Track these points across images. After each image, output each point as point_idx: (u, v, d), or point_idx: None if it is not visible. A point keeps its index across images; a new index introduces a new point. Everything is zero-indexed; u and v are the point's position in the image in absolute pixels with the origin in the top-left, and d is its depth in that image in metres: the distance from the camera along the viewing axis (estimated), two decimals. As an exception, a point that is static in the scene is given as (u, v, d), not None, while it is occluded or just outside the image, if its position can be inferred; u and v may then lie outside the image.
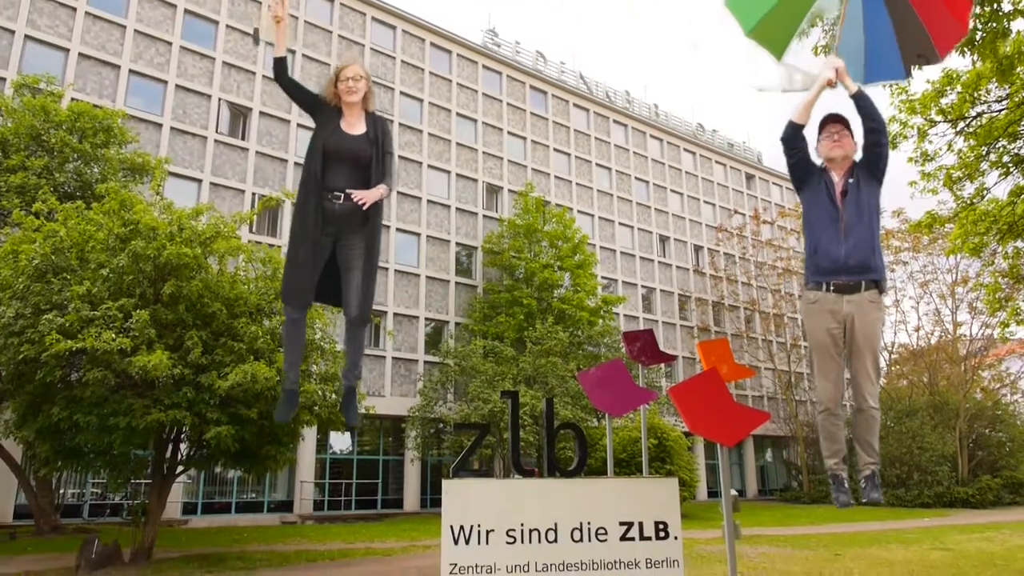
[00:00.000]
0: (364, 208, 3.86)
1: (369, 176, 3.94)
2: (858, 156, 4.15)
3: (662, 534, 6.99)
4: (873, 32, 4.20)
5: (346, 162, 3.93)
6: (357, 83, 4.00)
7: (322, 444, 27.65)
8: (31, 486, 18.04)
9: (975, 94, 10.23)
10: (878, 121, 4.00)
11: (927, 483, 33.31)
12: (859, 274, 3.88)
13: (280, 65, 4.01)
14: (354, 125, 4.01)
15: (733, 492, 30.22)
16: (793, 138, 4.14)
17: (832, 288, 3.92)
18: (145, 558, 12.05)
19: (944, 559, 12.37)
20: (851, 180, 4.01)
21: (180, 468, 13.28)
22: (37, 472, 17.02)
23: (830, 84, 4.03)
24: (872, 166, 4.04)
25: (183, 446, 13.06)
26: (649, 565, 6.86)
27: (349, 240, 3.96)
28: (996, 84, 9.93)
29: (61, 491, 22.13)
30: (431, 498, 28.99)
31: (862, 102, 3.99)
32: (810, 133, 4.27)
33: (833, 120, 4.16)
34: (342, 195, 3.88)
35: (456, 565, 6.56)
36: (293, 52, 30.27)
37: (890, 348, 41.69)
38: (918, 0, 4.06)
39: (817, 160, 4.22)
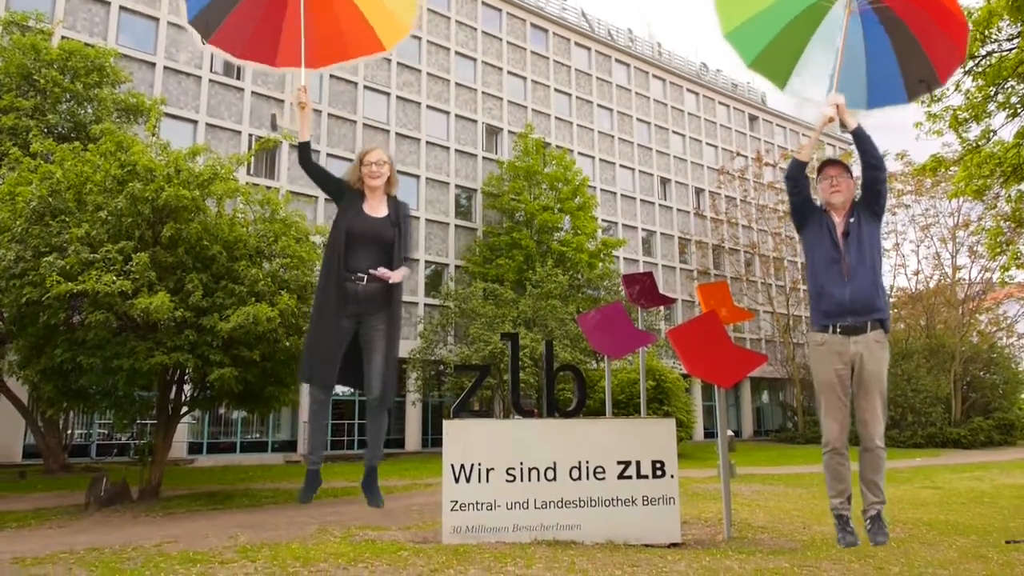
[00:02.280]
0: (390, 283, 3.94)
1: (391, 258, 4.00)
2: (858, 194, 4.19)
3: (659, 473, 7.14)
4: (875, 59, 4.22)
5: (369, 244, 4.00)
6: (381, 167, 4.11)
7: (324, 385, 27.92)
8: (38, 426, 18.33)
9: (986, 32, 9.98)
10: (877, 159, 4.03)
11: (920, 424, 33.88)
12: (864, 315, 3.93)
13: (305, 149, 4.12)
14: (376, 208, 4.10)
15: (729, 433, 30.73)
16: (797, 176, 4.20)
17: (839, 330, 3.97)
18: (153, 496, 12.32)
19: (934, 497, 12.66)
20: (852, 220, 4.05)
21: (184, 409, 13.45)
22: (44, 413, 17.27)
23: (830, 120, 4.07)
24: (871, 203, 4.09)
25: (187, 387, 13.20)
26: (646, 502, 7.03)
27: (371, 321, 4.00)
28: (1008, 21, 9.68)
29: (68, 431, 22.49)
30: (432, 438, 29.48)
31: (861, 140, 4.01)
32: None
33: (831, 164, 4.21)
34: (365, 277, 3.95)
35: (457, 502, 6.72)
36: None
37: (889, 292, 41.82)
38: (918, 27, 4.08)
39: (817, 200, 4.28)
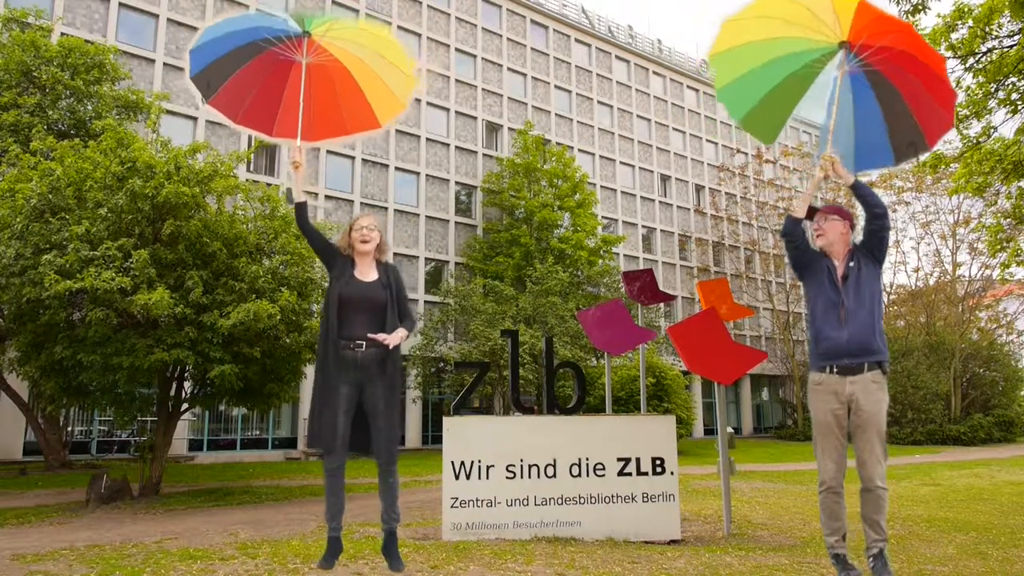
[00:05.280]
0: (389, 347, 4.00)
1: (384, 321, 4.07)
2: (858, 239, 4.22)
3: (659, 469, 7.14)
4: (863, 122, 4.30)
5: (362, 309, 4.07)
6: (371, 232, 4.21)
7: (324, 382, 27.91)
8: (39, 423, 18.34)
9: (986, 28, 9.96)
10: (879, 207, 4.06)
11: (920, 421, 33.88)
12: (861, 357, 3.95)
13: (301, 210, 4.17)
14: (367, 273, 4.19)
15: (729, 429, 30.77)
16: (793, 231, 4.23)
17: (835, 370, 3.99)
18: (153, 493, 12.33)
19: (933, 494, 12.66)
20: (851, 264, 4.08)
21: (185, 406, 13.46)
22: (44, 410, 17.28)
23: (826, 178, 4.15)
24: (873, 249, 4.11)
25: (187, 384, 13.21)
26: (646, 499, 7.03)
27: (373, 386, 4.06)
28: (1009, 18, 9.67)
29: (69, 428, 22.51)
30: (432, 435, 29.51)
31: (860, 191, 4.07)
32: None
33: (820, 210, 4.25)
34: (364, 343, 4.01)
35: (457, 499, 6.72)
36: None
37: (889, 289, 41.83)
38: (909, 92, 4.15)
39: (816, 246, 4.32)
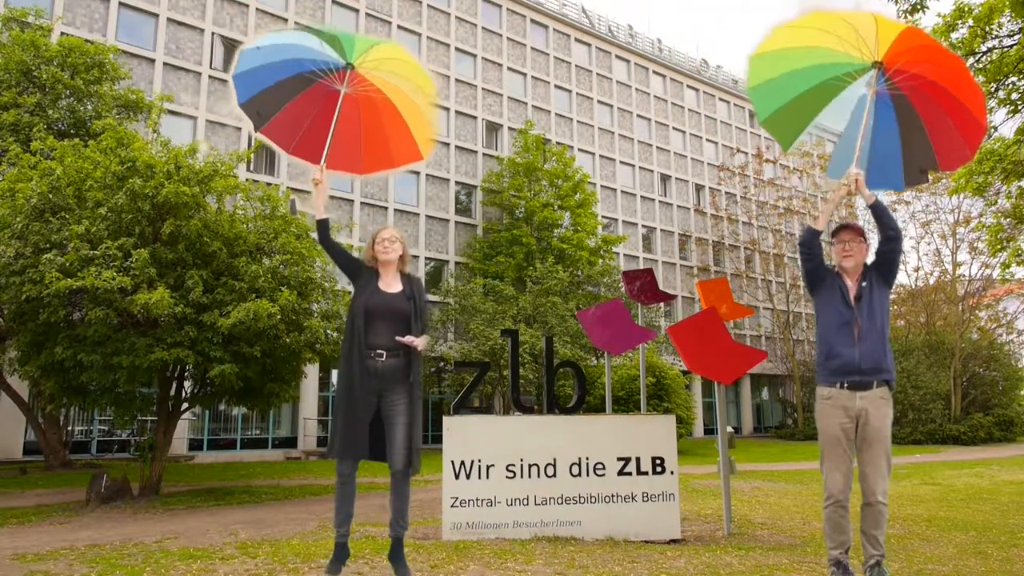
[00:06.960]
0: (417, 349, 4.10)
1: (408, 331, 4.14)
2: (870, 259, 4.29)
3: (659, 469, 7.15)
4: (880, 141, 4.36)
5: (386, 319, 4.15)
6: (393, 243, 4.29)
7: (324, 382, 27.97)
8: (39, 423, 18.34)
9: (986, 28, 9.96)
10: (895, 230, 4.15)
11: (920, 420, 33.87)
12: (872, 375, 4.03)
13: (323, 226, 4.30)
14: (391, 284, 4.28)
15: (729, 429, 30.78)
16: (811, 243, 4.29)
17: (846, 385, 4.07)
18: (154, 492, 12.32)
19: (933, 493, 12.66)
20: (864, 284, 4.15)
21: (185, 405, 13.45)
22: (44, 409, 17.28)
23: (849, 194, 4.19)
24: (884, 271, 4.21)
25: (187, 384, 13.20)
26: (646, 498, 7.03)
27: (392, 396, 4.11)
28: (1009, 17, 9.67)
29: (69, 428, 22.51)
30: (433, 435, 29.50)
31: (879, 211, 4.14)
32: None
33: (846, 229, 4.29)
34: (385, 353, 4.09)
35: (457, 499, 6.72)
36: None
37: (889, 289, 41.79)
38: (930, 119, 4.19)
39: (828, 261, 4.37)
